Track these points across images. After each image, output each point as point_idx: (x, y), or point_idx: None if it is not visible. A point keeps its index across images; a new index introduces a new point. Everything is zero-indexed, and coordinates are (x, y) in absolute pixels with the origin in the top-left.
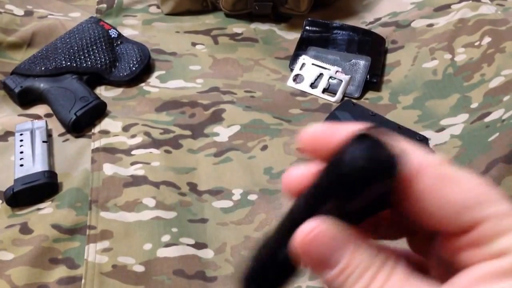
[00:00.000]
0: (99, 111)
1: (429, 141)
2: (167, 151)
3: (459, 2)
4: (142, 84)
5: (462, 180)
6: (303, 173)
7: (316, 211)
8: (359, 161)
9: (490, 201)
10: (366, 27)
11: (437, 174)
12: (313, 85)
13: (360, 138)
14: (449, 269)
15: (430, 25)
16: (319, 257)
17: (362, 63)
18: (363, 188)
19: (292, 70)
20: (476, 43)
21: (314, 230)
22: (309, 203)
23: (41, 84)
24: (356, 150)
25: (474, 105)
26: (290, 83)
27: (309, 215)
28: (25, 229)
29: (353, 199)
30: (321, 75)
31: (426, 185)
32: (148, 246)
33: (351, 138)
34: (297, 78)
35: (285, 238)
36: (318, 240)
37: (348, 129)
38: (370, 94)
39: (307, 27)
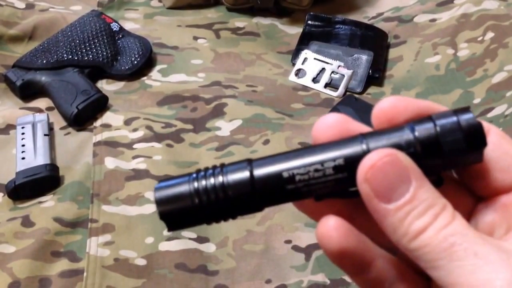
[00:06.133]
0: (100, 104)
1: None
2: (169, 145)
3: None
4: (144, 78)
5: None
6: (335, 122)
7: None
8: (471, 132)
9: None
10: (369, 22)
11: (499, 133)
12: (315, 80)
13: (461, 111)
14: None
15: (433, 20)
16: (385, 185)
17: (364, 58)
18: (456, 158)
19: (294, 64)
20: (479, 38)
21: (388, 156)
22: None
23: (43, 77)
24: (464, 121)
25: (476, 100)
26: (292, 77)
27: None
28: (26, 222)
29: (437, 168)
30: (323, 69)
31: (492, 142)
32: (150, 240)
33: (452, 110)
34: (299, 73)
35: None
36: (390, 166)
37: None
38: (372, 89)
39: (309, 22)
